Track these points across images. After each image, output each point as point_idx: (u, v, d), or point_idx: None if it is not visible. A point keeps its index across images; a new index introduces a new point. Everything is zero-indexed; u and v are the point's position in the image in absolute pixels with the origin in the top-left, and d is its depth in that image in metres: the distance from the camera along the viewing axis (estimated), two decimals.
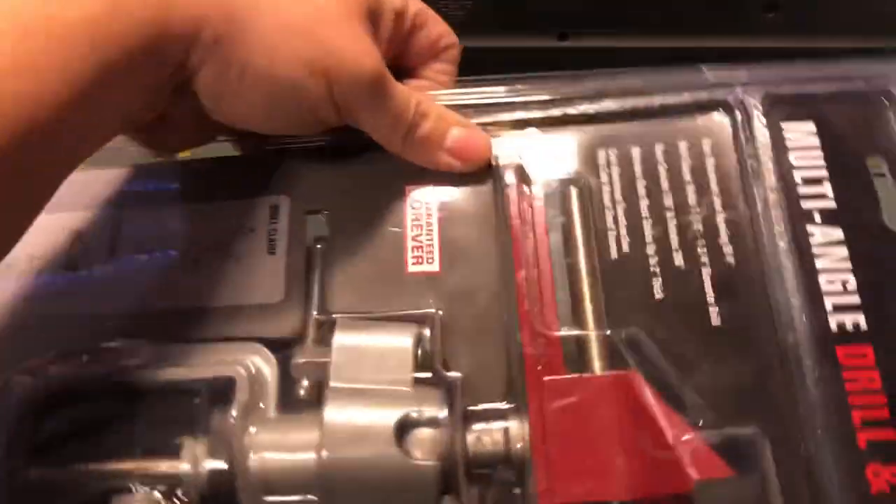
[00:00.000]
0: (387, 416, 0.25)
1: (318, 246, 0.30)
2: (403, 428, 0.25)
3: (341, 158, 0.31)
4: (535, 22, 0.52)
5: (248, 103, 0.28)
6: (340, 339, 0.27)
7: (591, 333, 0.28)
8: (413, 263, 0.30)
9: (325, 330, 0.28)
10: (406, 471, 0.25)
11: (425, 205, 0.31)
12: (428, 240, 0.30)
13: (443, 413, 0.26)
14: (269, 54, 0.26)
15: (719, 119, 0.31)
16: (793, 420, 0.26)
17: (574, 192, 0.31)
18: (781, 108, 0.31)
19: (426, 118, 0.30)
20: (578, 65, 0.44)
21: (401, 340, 0.27)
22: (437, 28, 0.32)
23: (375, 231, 0.30)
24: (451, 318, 0.29)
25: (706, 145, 0.31)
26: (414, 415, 0.26)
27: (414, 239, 0.30)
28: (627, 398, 0.26)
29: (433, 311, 0.29)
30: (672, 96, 0.32)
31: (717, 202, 0.30)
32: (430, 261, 0.30)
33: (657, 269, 0.29)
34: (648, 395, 0.26)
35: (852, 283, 0.28)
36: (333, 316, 0.29)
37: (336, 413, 0.26)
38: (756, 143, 0.30)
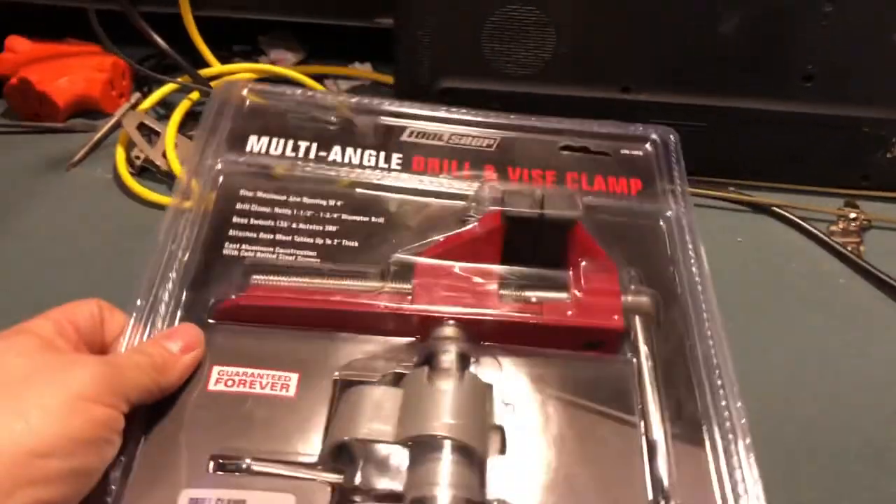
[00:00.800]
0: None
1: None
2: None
3: None
4: (601, 75, 0.57)
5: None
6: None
7: (386, 283, 0.42)
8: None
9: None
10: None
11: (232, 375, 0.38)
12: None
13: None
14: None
15: None
16: None
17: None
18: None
19: (150, 355, 0.36)
20: (636, 116, 0.52)
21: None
22: (82, 310, 0.37)
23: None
24: None
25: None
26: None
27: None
28: (437, 265, 0.42)
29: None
30: None
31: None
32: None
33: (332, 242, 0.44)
34: (437, 247, 0.43)
35: None
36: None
37: None
38: None
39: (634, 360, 0.40)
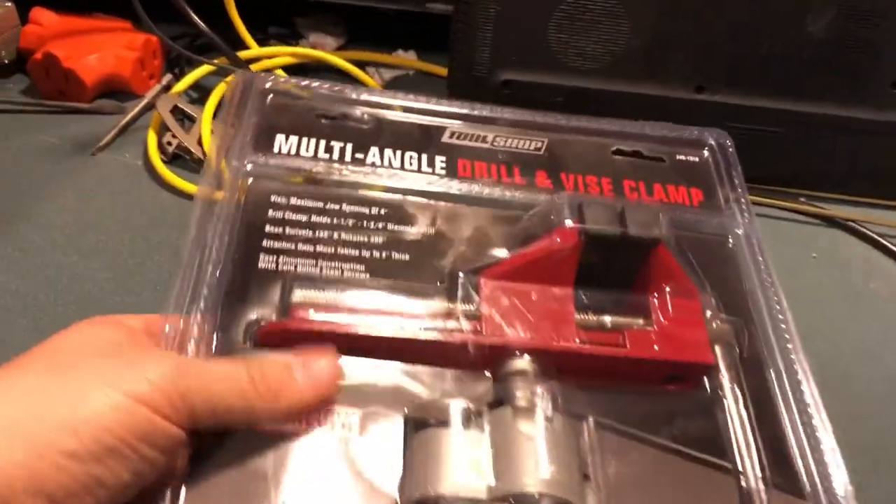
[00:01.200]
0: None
1: None
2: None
3: None
4: (675, 73, 0.52)
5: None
6: None
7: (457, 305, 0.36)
8: None
9: None
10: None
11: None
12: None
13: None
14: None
15: None
16: None
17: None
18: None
19: (256, 368, 0.30)
20: (708, 118, 0.48)
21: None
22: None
23: None
24: None
25: None
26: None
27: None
28: (506, 285, 0.37)
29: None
30: None
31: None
32: None
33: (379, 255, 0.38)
34: (504, 264, 0.37)
35: None
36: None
37: None
38: None
39: (723, 397, 0.36)
